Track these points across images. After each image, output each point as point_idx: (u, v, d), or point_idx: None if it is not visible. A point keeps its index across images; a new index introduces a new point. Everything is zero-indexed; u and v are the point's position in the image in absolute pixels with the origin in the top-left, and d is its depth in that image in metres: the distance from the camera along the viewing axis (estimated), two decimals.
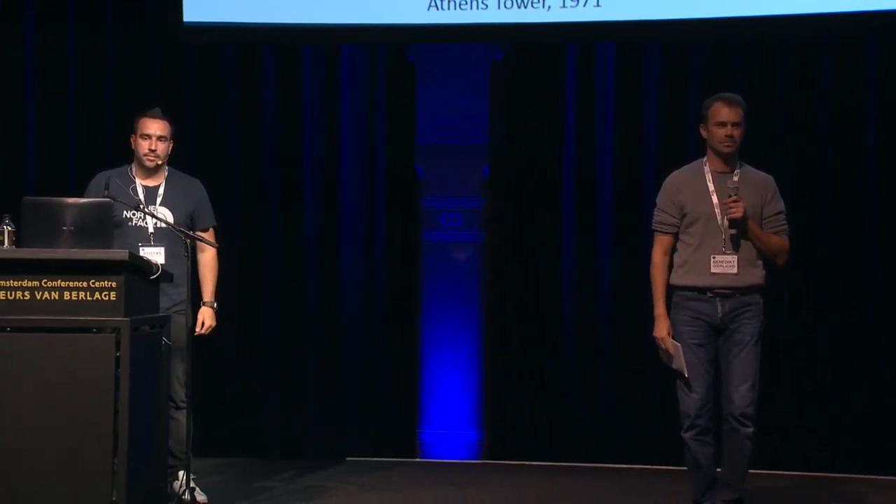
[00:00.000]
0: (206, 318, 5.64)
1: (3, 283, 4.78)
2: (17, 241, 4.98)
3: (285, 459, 6.73)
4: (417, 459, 6.97)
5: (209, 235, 5.68)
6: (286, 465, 6.57)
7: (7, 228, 4.98)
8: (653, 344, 5.21)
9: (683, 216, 5.14)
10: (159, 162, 5.56)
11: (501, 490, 6.08)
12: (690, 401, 5.04)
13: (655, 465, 6.61)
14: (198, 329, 5.60)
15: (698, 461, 5.07)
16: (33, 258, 4.80)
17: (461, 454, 7.04)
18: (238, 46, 7.07)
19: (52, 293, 4.79)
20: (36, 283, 4.79)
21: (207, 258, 5.69)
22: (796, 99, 6.71)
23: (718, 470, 5.15)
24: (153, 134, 5.53)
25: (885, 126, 6.61)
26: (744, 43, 6.76)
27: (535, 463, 6.78)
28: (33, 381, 4.75)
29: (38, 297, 4.79)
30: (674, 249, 5.19)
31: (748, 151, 6.62)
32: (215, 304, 5.67)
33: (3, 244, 4.95)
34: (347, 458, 6.85)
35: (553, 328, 6.92)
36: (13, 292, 4.78)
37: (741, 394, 4.98)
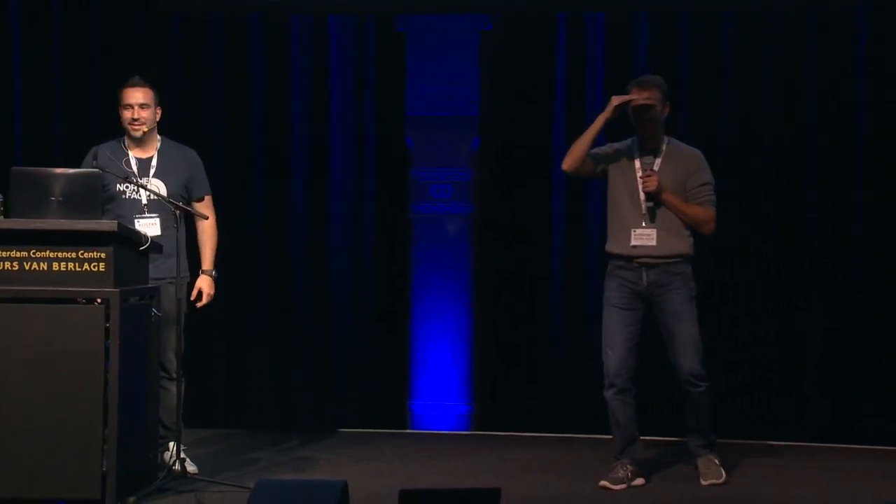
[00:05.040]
0: (203, 286, 5.62)
1: None
2: (6, 211, 4.97)
3: (276, 431, 6.73)
4: (408, 430, 6.98)
5: (205, 204, 5.68)
6: (277, 437, 6.57)
7: None
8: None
9: (603, 168, 5.48)
10: (145, 129, 5.52)
11: (490, 460, 6.09)
12: (609, 362, 5.42)
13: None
14: (194, 297, 5.59)
15: (618, 420, 5.43)
16: (22, 229, 4.80)
17: (451, 425, 7.06)
18: (225, 15, 7.02)
19: (41, 264, 4.79)
20: (24, 254, 4.79)
21: (206, 226, 5.67)
22: (785, 68, 6.70)
23: (689, 436, 5.51)
24: (134, 103, 5.51)
25: (876, 97, 6.61)
26: (732, 13, 6.75)
27: (524, 434, 6.80)
28: (22, 353, 4.76)
29: (27, 268, 4.79)
30: (589, 174, 5.56)
31: (736, 123, 6.71)
32: (214, 273, 5.66)
33: None
34: (338, 430, 6.86)
35: (542, 299, 6.92)
36: (1, 263, 4.78)
37: (688, 357, 5.36)
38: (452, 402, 7.11)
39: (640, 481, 5.43)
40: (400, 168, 7.11)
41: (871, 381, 6.62)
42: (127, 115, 5.52)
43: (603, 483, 5.38)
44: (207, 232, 5.67)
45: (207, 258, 5.66)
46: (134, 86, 5.52)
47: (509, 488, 5.19)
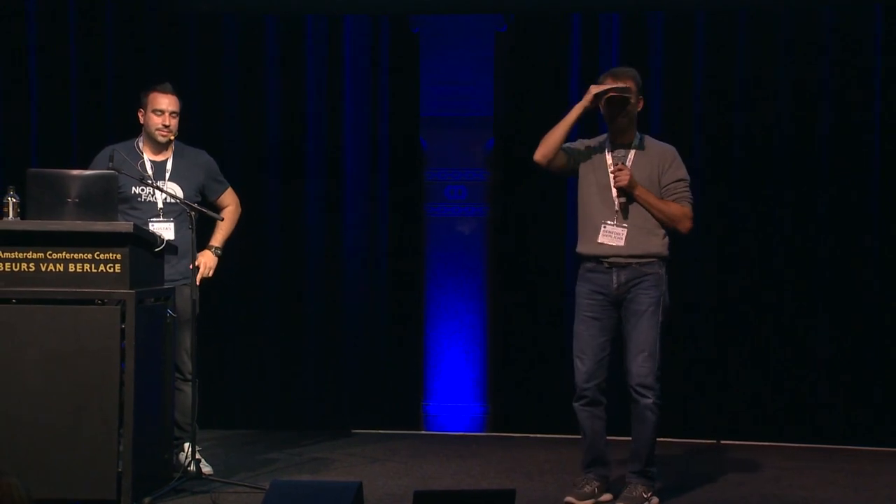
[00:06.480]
0: (204, 259, 5.58)
1: (8, 254, 4.80)
2: (22, 212, 4.99)
3: (290, 431, 6.75)
4: (422, 431, 6.99)
5: (228, 194, 5.72)
6: (291, 437, 6.58)
7: (12, 200, 4.99)
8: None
9: (575, 164, 5.22)
10: (172, 137, 5.54)
11: (504, 461, 6.09)
12: (579, 372, 5.13)
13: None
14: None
15: (584, 431, 5.15)
16: (38, 230, 4.82)
17: (466, 426, 7.05)
18: (239, 16, 7.04)
19: (57, 265, 4.81)
20: (41, 255, 4.80)
21: (227, 212, 5.71)
22: (800, 67, 6.69)
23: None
24: (166, 109, 5.51)
25: (892, 93, 6.60)
26: (747, 11, 6.73)
27: (539, 435, 6.79)
28: (38, 353, 4.77)
29: (43, 269, 4.81)
30: (561, 169, 5.26)
31: (750, 124, 6.70)
32: (219, 251, 5.66)
33: (8, 216, 4.97)
34: (353, 430, 6.87)
35: (556, 301, 6.91)
36: (18, 264, 4.79)
37: (637, 364, 5.01)
38: (467, 402, 7.10)
39: (607, 497, 5.12)
40: (414, 169, 7.11)
41: (888, 382, 6.60)
42: (158, 120, 5.51)
43: (568, 499, 5.07)
44: (228, 215, 5.70)
45: (217, 236, 5.67)
46: (165, 92, 5.52)
47: (524, 489, 5.20)
